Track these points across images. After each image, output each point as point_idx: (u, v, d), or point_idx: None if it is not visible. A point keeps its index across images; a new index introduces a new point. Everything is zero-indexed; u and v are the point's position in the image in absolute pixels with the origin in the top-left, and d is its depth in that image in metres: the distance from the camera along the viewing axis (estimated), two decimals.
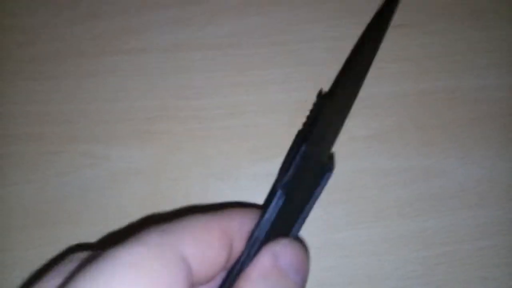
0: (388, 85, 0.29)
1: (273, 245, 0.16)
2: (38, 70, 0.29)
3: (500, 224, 0.28)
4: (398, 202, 0.28)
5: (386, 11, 0.26)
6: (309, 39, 0.30)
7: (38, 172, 0.28)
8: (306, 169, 0.19)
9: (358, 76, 0.25)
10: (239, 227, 0.17)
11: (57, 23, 0.30)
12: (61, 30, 0.30)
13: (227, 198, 0.28)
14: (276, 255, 0.16)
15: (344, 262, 0.27)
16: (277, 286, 0.16)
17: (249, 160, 0.28)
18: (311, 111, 0.24)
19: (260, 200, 0.28)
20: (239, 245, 0.17)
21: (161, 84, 0.29)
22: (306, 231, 0.27)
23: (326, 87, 0.29)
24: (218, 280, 0.17)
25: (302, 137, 0.19)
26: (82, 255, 0.17)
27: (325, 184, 0.21)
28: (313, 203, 0.20)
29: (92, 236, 0.27)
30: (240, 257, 0.17)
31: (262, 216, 0.17)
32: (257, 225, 0.17)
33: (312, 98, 0.29)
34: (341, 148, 0.28)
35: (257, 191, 0.28)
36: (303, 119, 0.28)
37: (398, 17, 0.28)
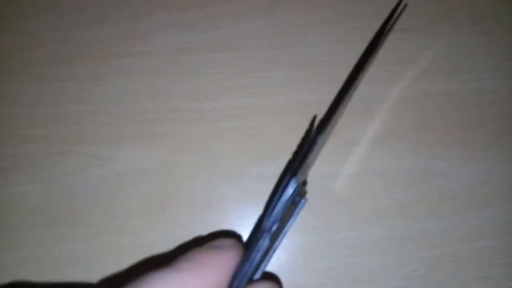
0: (389, 87, 0.30)
1: None
2: (45, 73, 0.30)
3: (500, 224, 0.28)
4: (399, 203, 0.28)
5: (370, 49, 0.26)
6: (310, 42, 0.30)
7: (44, 173, 0.28)
8: (292, 203, 0.19)
9: (348, 99, 0.26)
10: (225, 265, 0.17)
11: (64, 27, 0.30)
12: (68, 34, 0.30)
13: (232, 198, 0.28)
14: None
15: (346, 261, 0.27)
16: None
17: (252, 161, 0.29)
18: (302, 142, 0.24)
19: (263, 199, 0.28)
20: (223, 280, 0.17)
21: (166, 86, 0.30)
22: (310, 232, 0.28)
23: (326, 88, 0.29)
24: None
25: (291, 172, 0.19)
26: None
27: (299, 212, 0.19)
28: (286, 233, 0.19)
29: (97, 236, 0.27)
30: None
31: (248, 255, 0.18)
32: (244, 265, 0.18)
33: (313, 100, 0.29)
34: (343, 150, 0.29)
35: (261, 192, 0.28)
36: (305, 121, 0.29)
37: (399, 21, 0.29)
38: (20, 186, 0.28)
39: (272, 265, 0.27)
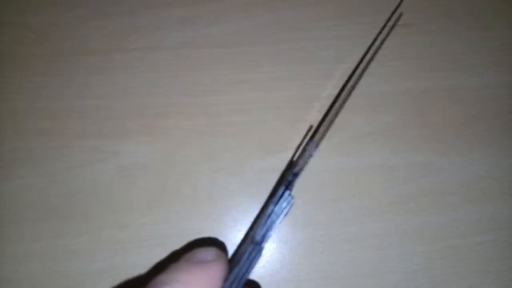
0: (391, 83, 0.30)
1: None
2: (48, 67, 0.30)
3: (501, 219, 0.28)
4: (401, 198, 0.28)
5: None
6: (314, 37, 0.31)
7: (48, 166, 0.28)
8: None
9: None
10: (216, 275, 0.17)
11: (68, 22, 0.30)
12: (72, 28, 0.30)
13: (234, 192, 0.28)
14: None
15: (349, 255, 0.28)
16: None
17: (255, 155, 0.29)
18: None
19: (266, 193, 0.28)
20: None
21: (169, 81, 0.30)
22: (312, 226, 0.28)
23: (328, 83, 0.30)
24: None
25: (285, 184, 0.20)
26: None
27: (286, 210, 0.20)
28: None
29: (99, 229, 0.27)
30: None
31: (240, 269, 0.18)
32: (235, 277, 0.18)
33: (316, 95, 0.29)
34: (345, 145, 0.29)
35: (263, 185, 0.28)
36: (308, 116, 0.29)
37: (401, 18, 0.29)
38: (22, 180, 0.28)
39: (275, 260, 0.27)
